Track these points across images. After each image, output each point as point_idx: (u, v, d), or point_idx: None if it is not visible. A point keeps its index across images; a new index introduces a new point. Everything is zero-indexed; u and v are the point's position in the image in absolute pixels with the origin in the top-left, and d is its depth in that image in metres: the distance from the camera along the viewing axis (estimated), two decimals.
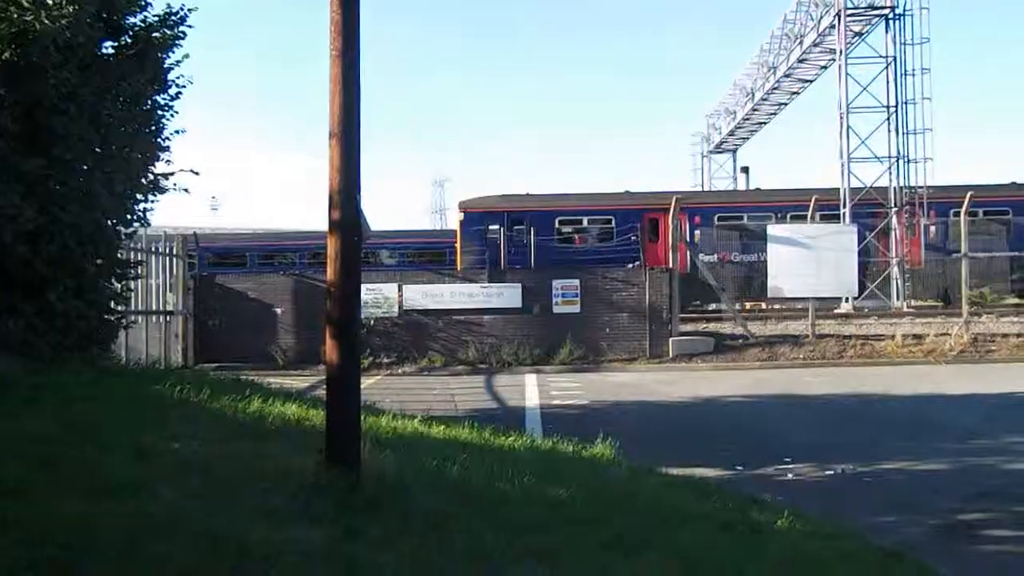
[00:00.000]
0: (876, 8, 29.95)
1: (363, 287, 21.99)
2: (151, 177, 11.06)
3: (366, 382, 18.27)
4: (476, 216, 31.57)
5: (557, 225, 31.84)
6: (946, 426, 12.49)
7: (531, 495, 6.34)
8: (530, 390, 17.23)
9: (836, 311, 26.36)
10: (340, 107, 5.77)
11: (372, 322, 21.29)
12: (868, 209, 29.09)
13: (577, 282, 21.77)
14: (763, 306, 27.72)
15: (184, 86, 11.12)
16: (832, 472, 9.34)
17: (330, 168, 5.82)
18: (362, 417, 7.19)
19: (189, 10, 10.86)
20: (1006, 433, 11.69)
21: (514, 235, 30.82)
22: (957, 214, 23.53)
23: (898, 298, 28.36)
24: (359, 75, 5.83)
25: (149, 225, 12.19)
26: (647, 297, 21.58)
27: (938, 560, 6.15)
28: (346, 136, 5.80)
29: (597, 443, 9.25)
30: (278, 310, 21.78)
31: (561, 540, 5.21)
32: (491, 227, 31.04)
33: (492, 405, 15.91)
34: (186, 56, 11.03)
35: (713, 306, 27.15)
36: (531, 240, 29.68)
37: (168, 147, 11.21)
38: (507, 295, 21.75)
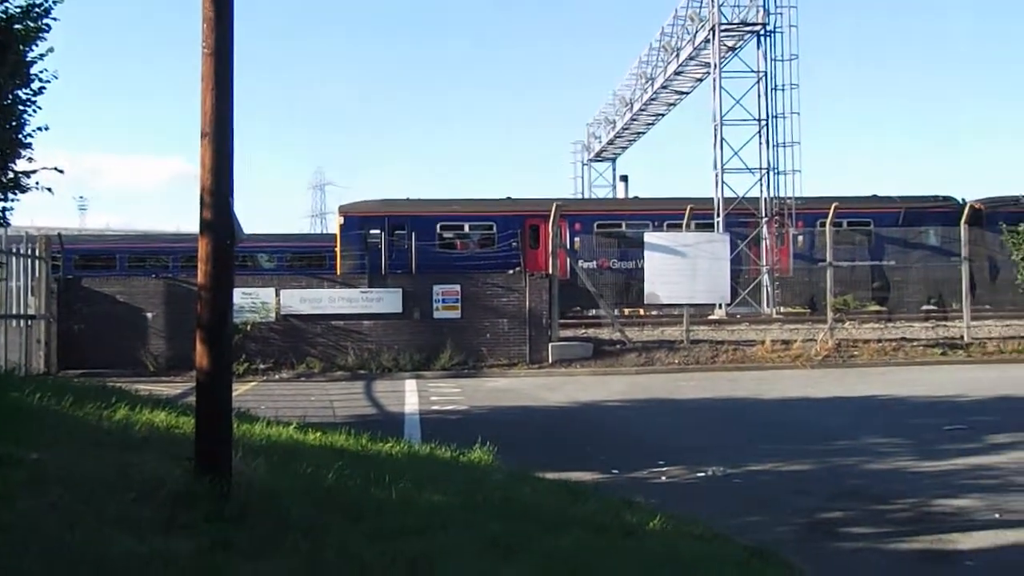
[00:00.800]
0: (748, 25, 31.00)
1: (239, 291, 21.42)
2: (11, 175, 10.54)
3: (241, 389, 17.94)
4: (357, 220, 31.28)
5: (439, 230, 31.78)
6: (812, 428, 12.99)
7: (408, 502, 6.29)
8: (410, 396, 17.14)
9: (710, 317, 27.10)
10: (212, 106, 5.62)
11: (248, 327, 20.83)
12: (740, 219, 30.06)
13: (458, 287, 21.77)
14: (641, 312, 28.27)
15: (48, 81, 10.63)
16: (704, 474, 9.58)
17: (201, 169, 5.67)
18: (234, 424, 7.02)
19: (54, 2, 10.40)
20: (867, 434, 12.21)
21: (395, 240, 30.65)
22: (823, 224, 24.48)
23: (768, 305, 29.35)
24: (232, 74, 5.69)
25: (9, 225, 11.64)
26: (527, 303, 21.75)
27: (802, 557, 6.38)
28: (218, 136, 5.66)
29: (475, 449, 9.26)
30: (149, 315, 21.08)
31: (437, 546, 5.19)
32: (372, 232, 30.82)
33: (371, 411, 15.76)
34: (50, 50, 10.54)
35: (592, 312, 27.54)
36: (412, 245, 29.57)
37: (30, 144, 10.70)
38: (387, 300, 21.60)
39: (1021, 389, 16.50)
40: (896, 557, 6.78)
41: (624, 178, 44.83)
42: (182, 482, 5.46)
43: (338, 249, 31.22)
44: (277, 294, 21.39)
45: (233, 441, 6.12)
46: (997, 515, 7.68)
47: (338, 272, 28.77)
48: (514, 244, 30.31)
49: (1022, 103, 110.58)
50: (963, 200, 30.54)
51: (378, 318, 21.55)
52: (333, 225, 39.16)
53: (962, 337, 23.18)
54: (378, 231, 30.52)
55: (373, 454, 8.72)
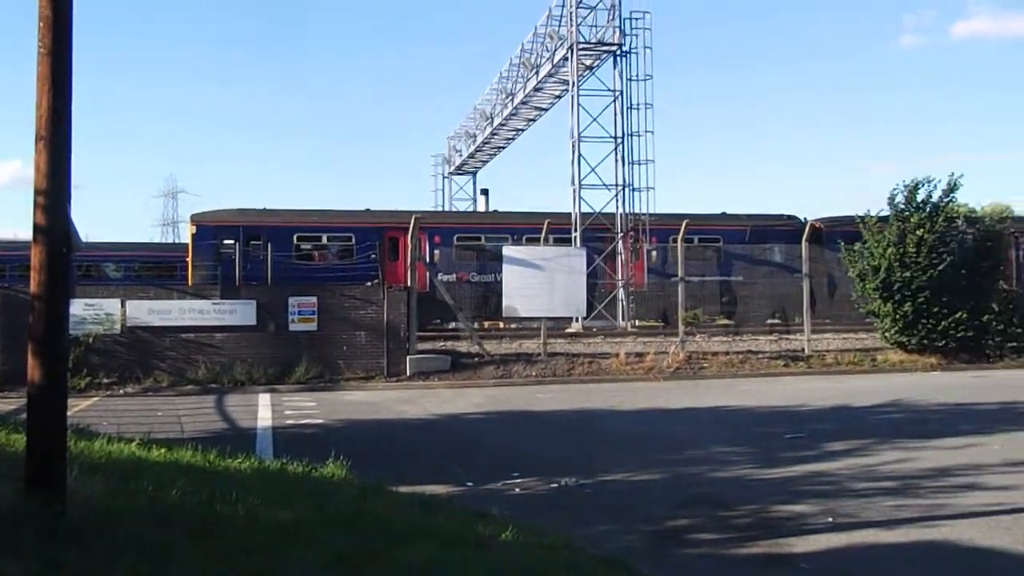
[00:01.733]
0: (605, 45, 31.81)
1: (81, 302, 20.50)
2: None
3: (82, 404, 17.16)
4: (210, 230, 30.45)
5: (296, 241, 31.26)
6: (662, 438, 13.33)
7: (255, 519, 6.14)
8: (263, 410, 16.73)
9: (567, 330, 27.56)
10: (48, 108, 5.39)
11: (91, 339, 19.94)
12: (597, 234, 30.75)
13: (314, 299, 21.42)
14: (500, 325, 28.50)
15: None
16: (557, 485, 9.70)
17: (36, 173, 5.43)
18: (71, 440, 6.72)
19: None
20: (714, 444, 12.62)
21: (250, 251, 29.96)
22: (675, 240, 25.26)
23: (623, 318, 30.07)
24: (71, 75, 5.47)
25: None
26: (385, 315, 21.59)
27: (649, 564, 6.55)
28: (55, 139, 5.43)
29: (329, 463, 9.12)
30: None
31: (283, 563, 5.08)
32: (226, 242, 30.05)
33: (222, 426, 15.29)
34: None
35: (452, 325, 27.59)
36: (268, 256, 28.96)
37: None
38: (241, 312, 21.05)
39: (857, 399, 17.38)
40: (737, 562, 7.04)
41: (484, 192, 45.14)
42: (11, 501, 5.19)
43: (190, 259, 30.33)
44: (123, 305, 20.53)
45: (69, 458, 5.85)
46: (831, 519, 8.07)
47: (190, 283, 27.92)
48: (373, 256, 30.10)
49: (860, 129, 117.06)
50: (805, 219, 32.07)
51: (231, 330, 20.97)
52: (185, 235, 38.07)
53: (803, 350, 24.30)
54: (232, 241, 29.77)
55: (221, 470, 8.48)
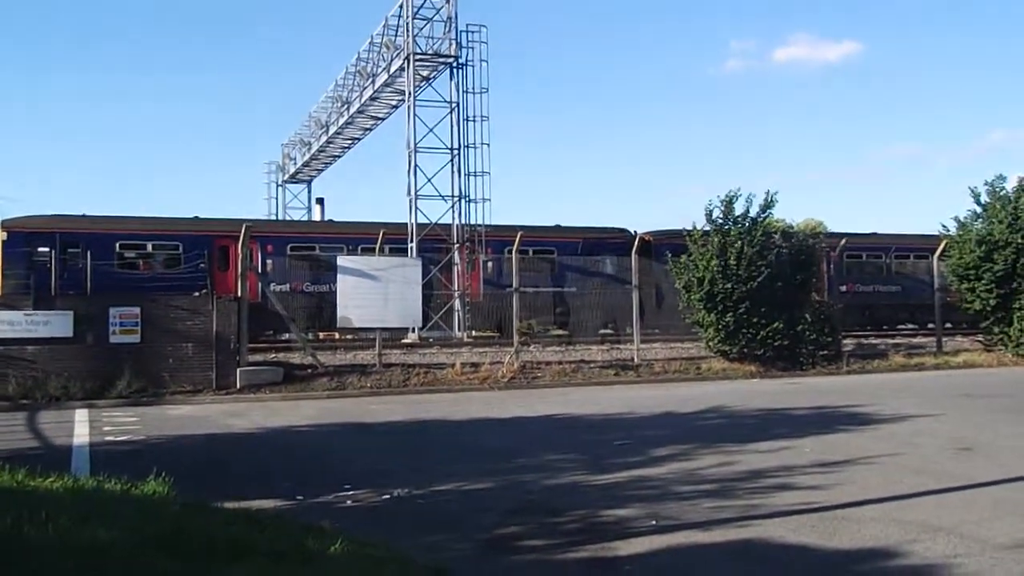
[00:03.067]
0: (441, 56, 31.98)
1: None
2: None
3: None
4: (22, 237, 28.78)
5: (118, 249, 29.95)
6: (495, 447, 13.46)
7: (67, 540, 5.83)
8: (80, 427, 15.89)
9: (403, 341, 27.46)
10: None
11: None
12: (434, 244, 30.81)
13: (138, 310, 20.51)
14: (335, 336, 28.11)
15: None
16: (389, 496, 9.64)
17: None
18: None
19: None
20: (547, 451, 12.81)
21: (67, 259, 28.50)
22: (511, 252, 25.60)
23: (459, 329, 30.23)
24: None
25: None
26: (214, 326, 20.91)
27: (479, 573, 6.60)
28: None
29: (150, 480, 8.76)
30: None
31: None
32: (40, 249, 28.49)
33: (33, 444, 14.44)
34: None
35: (285, 336, 27.03)
36: (87, 264, 27.59)
37: None
38: (56, 323, 19.92)
39: (682, 406, 18.05)
40: (564, 566, 7.17)
41: (320, 201, 44.68)
42: None
43: None
44: None
45: None
46: (654, 522, 8.35)
47: (0, 293, 26.26)
48: (202, 265, 29.15)
49: (686, 146, 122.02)
50: (635, 232, 33.12)
51: (45, 343, 19.81)
52: None
53: (633, 359, 25.06)
54: (47, 248, 28.23)
55: (30, 490, 8.02)
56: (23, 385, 19.34)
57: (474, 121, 31.65)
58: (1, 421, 16.77)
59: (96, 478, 9.15)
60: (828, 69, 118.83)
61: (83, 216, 30.59)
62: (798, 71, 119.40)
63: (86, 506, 7.40)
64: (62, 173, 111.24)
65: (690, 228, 26.30)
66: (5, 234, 29.01)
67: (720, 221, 25.64)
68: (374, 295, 22.86)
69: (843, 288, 32.49)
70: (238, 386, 20.75)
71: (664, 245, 31.12)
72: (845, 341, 27.60)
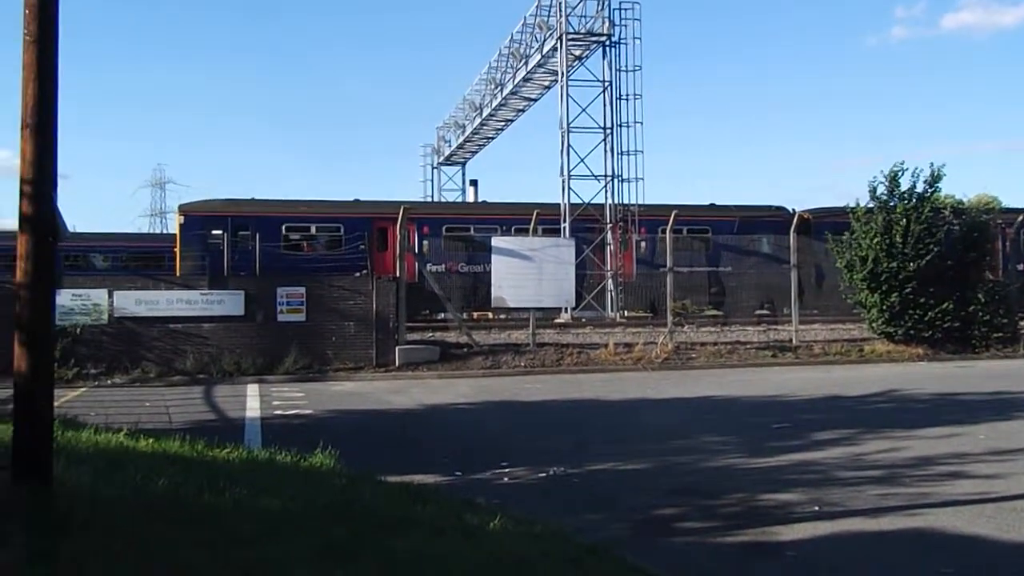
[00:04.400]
0: (594, 35, 31.75)
1: (68, 292, 20.38)
2: None
3: (70, 394, 17.13)
4: (198, 220, 30.37)
5: (284, 232, 31.22)
6: (651, 428, 13.40)
7: (243, 508, 6.14)
8: (251, 401, 16.73)
9: (556, 321, 27.58)
10: (34, 96, 5.38)
11: (79, 330, 19.87)
12: (586, 224, 30.75)
13: (303, 290, 21.37)
14: (489, 316, 28.50)
15: None
16: (545, 474, 9.74)
17: (22, 162, 5.41)
18: (58, 431, 6.71)
19: None
20: (702, 433, 12.70)
21: (239, 241, 29.92)
22: (664, 231, 25.28)
23: (612, 309, 30.12)
24: (56, 61, 5.46)
25: None
26: (374, 306, 21.56)
27: (635, 553, 6.57)
28: (41, 127, 5.42)
29: (317, 453, 9.12)
30: None
31: (271, 552, 5.09)
32: (214, 232, 29.98)
33: (210, 417, 15.28)
34: None
35: (441, 316, 27.59)
36: (256, 246, 28.91)
37: None
38: (229, 303, 20.99)
39: (843, 388, 17.48)
40: (723, 549, 7.08)
41: (474, 182, 45.11)
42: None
43: (178, 250, 30.27)
44: (110, 295, 20.45)
45: (56, 448, 5.85)
46: (817, 507, 8.12)
47: (178, 273, 27.85)
48: (362, 247, 30.07)
49: (848, 120, 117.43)
50: (793, 210, 32.18)
51: (219, 321, 20.92)
52: (173, 225, 37.96)
53: (791, 340, 24.39)
54: (220, 231, 29.69)
55: (209, 460, 8.48)
56: (199, 361, 20.47)
57: (627, 100, 31.39)
58: (180, 394, 17.82)
59: (268, 450, 9.60)
60: (1001, 34, 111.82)
61: (252, 200, 32.04)
62: (968, 37, 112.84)
63: (259, 476, 7.78)
64: (231, 157, 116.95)
65: (852, 205, 25.30)
66: (182, 218, 30.73)
67: (884, 197, 24.58)
68: (528, 275, 23.04)
69: (1020, 267, 30.59)
70: (397, 364, 21.33)
71: (824, 223, 30.06)
72: (1022, 323, 26.03)
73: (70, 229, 19.91)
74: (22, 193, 5.41)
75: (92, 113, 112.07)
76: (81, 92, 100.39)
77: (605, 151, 31.40)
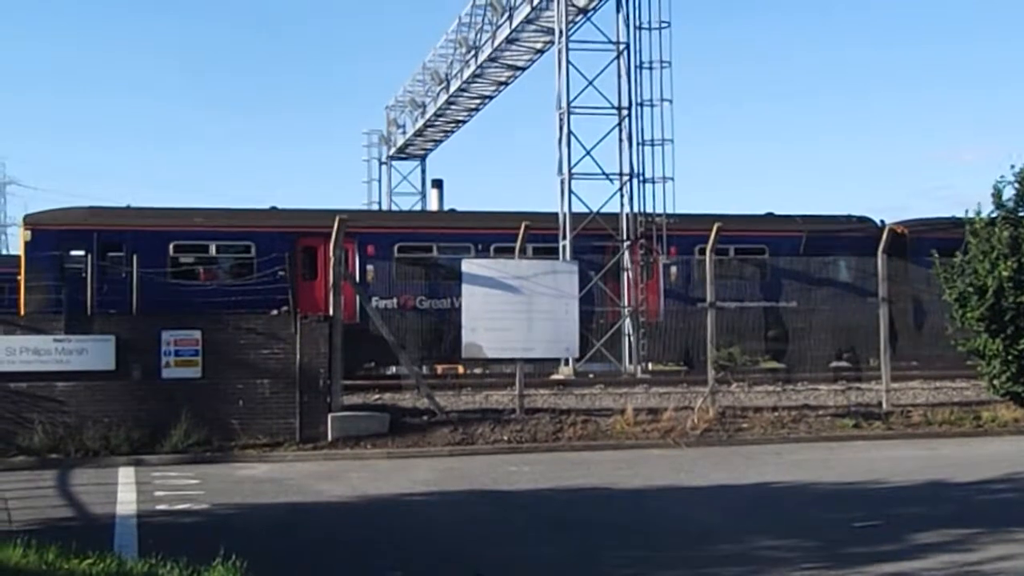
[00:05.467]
0: None
1: None
2: None
3: None
4: (51, 237, 30.28)
5: (172, 252, 31.18)
6: (683, 528, 13.36)
7: None
8: (125, 491, 16.62)
9: (553, 377, 27.60)
10: None
11: None
12: (594, 242, 30.76)
13: (198, 334, 21.29)
14: (459, 370, 28.51)
15: None
16: None
17: None
18: None
19: None
20: (757, 535, 12.67)
21: (108, 266, 29.86)
22: (703, 251, 25.32)
23: (631, 360, 30.08)
24: None
25: None
26: (298, 357, 21.51)
27: None
28: None
29: (216, 564, 9.09)
30: None
31: None
32: (73, 253, 29.91)
33: (66, 513, 15.18)
34: None
35: (392, 370, 27.56)
36: (134, 273, 28.82)
37: None
38: (94, 352, 20.89)
39: (953, 472, 17.51)
40: None
41: (437, 183, 45.36)
42: None
43: (22, 278, 30.11)
44: None
45: None
46: None
47: (21, 311, 27.75)
48: (281, 273, 30.00)
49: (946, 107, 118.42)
50: (881, 222, 32.35)
51: (80, 378, 20.79)
52: (16, 243, 37.90)
53: (880, 404, 24.45)
54: (82, 252, 29.64)
55: (64, 575, 8.43)
56: (52, 435, 20.31)
57: (650, 68, 31.47)
58: (25, 481, 17.67)
59: (147, 560, 9.54)
60: None
61: (127, 209, 32.07)
62: None
63: None
64: (97, 153, 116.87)
65: (965, 215, 25.25)
66: (29, 233, 30.55)
67: (1012, 203, 24.65)
68: (513, 314, 22.99)
69: None
70: (330, 438, 21.26)
71: (925, 240, 30.25)
72: None
73: None
74: None
75: None
76: None
77: (620, 140, 31.53)
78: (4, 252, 71.16)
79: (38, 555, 9.03)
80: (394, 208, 49.17)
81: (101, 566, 9.00)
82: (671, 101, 31.37)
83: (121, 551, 10.86)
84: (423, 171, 51.51)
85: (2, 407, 20.49)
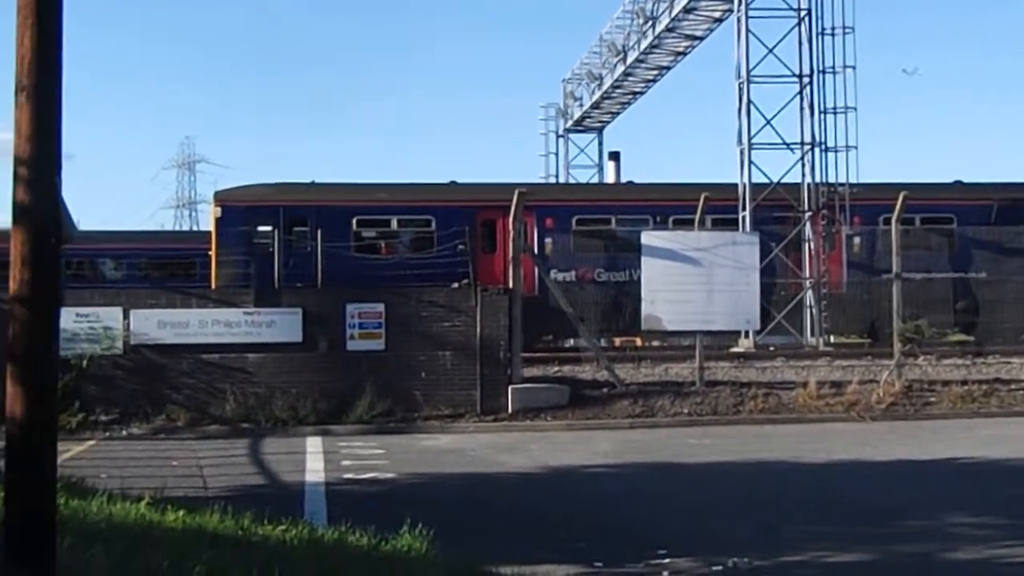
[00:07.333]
0: None
1: (72, 311, 21.17)
2: None
3: (75, 448, 17.78)
4: (240, 213, 30.98)
5: (355, 227, 31.60)
6: (870, 503, 13.11)
7: None
8: (313, 460, 17.06)
9: (732, 350, 27.27)
10: (32, 48, 5.57)
11: (86, 363, 20.55)
12: (774, 213, 30.28)
13: (381, 307, 21.66)
14: (637, 342, 28.38)
15: None
16: (721, 568, 9.64)
17: (16, 136, 5.62)
18: (63, 500, 6.95)
19: None
20: (946, 512, 12.38)
21: (294, 241, 30.46)
22: (888, 221, 24.72)
23: (813, 333, 29.57)
24: (61, 3, 5.66)
25: None
26: (479, 329, 21.71)
27: None
28: (42, 89, 5.61)
29: (403, 533, 9.23)
30: None
31: None
32: (261, 229, 30.57)
33: (258, 481, 15.66)
34: None
35: (570, 342, 27.58)
36: (318, 248, 29.38)
37: None
38: (282, 325, 21.42)
39: None
40: None
41: (614, 156, 45.01)
42: None
43: (213, 253, 30.92)
44: (126, 316, 21.12)
45: (60, 523, 6.05)
46: None
47: (213, 285, 28.56)
48: (461, 247, 30.24)
49: None
50: None
51: (269, 350, 21.39)
52: (206, 219, 39.03)
53: None
54: (270, 228, 30.27)
55: (258, 541, 8.67)
56: (243, 404, 20.94)
57: (832, 35, 30.79)
58: (218, 450, 18.30)
59: (336, 527, 9.77)
60: None
61: (312, 185, 32.60)
62: None
63: (326, 564, 7.91)
64: (280, 132, 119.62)
65: None
66: (219, 209, 31.34)
67: None
68: (692, 285, 22.83)
69: None
70: (510, 410, 21.42)
71: None
72: None
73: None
74: (16, 178, 5.60)
75: (95, 77, 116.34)
76: (83, 45, 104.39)
77: (801, 109, 30.90)
78: (195, 228, 73.13)
79: (234, 521, 9.29)
80: (571, 181, 49.05)
81: (293, 532, 9.21)
82: (854, 67, 30.70)
83: (311, 518, 11.15)
84: (600, 143, 51.19)
85: (196, 378, 21.19)
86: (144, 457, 17.28)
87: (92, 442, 19.19)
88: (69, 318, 20.29)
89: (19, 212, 5.57)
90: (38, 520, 5.58)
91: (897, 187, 25.67)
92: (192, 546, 7.58)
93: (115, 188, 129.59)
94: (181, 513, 9.48)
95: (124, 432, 20.23)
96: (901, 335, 23.68)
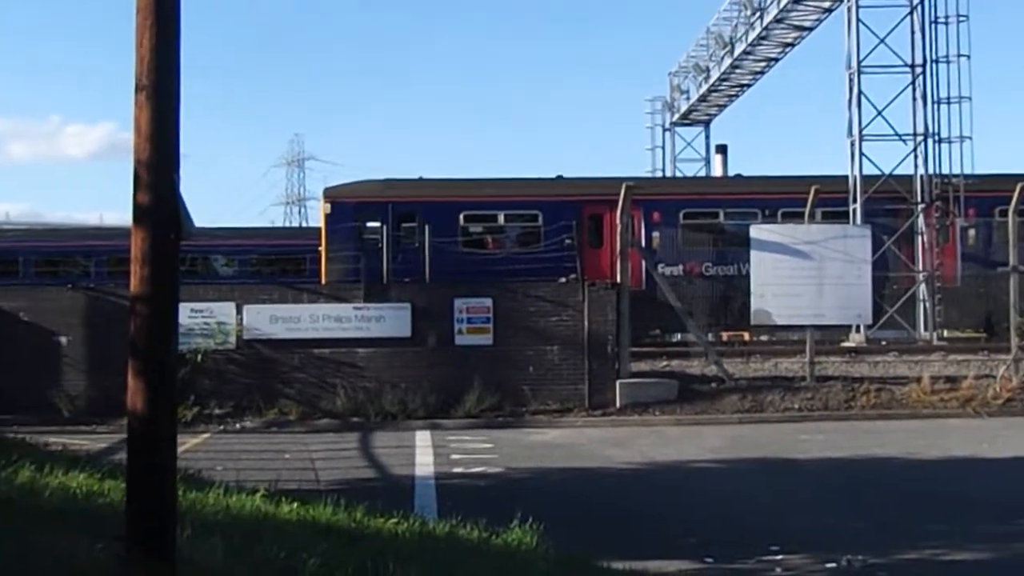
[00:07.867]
0: None
1: (187, 307, 21.61)
2: None
3: (191, 441, 18.12)
4: (349, 208, 31.32)
5: (462, 222, 31.77)
6: (986, 500, 12.88)
7: None
8: (422, 453, 17.20)
9: (844, 344, 26.95)
10: (151, 48, 5.68)
11: (200, 357, 20.94)
12: (886, 205, 29.83)
13: (489, 302, 21.75)
14: (745, 337, 28.14)
15: None
16: (835, 565, 9.55)
17: (136, 135, 5.74)
18: (181, 491, 7.08)
19: None
20: None
21: (402, 236, 30.68)
22: (1004, 213, 24.22)
23: (927, 327, 29.10)
24: (179, 4, 5.76)
25: None
26: (586, 324, 21.68)
27: None
28: (161, 89, 5.73)
29: (514, 527, 9.27)
30: (63, 339, 21.24)
31: None
32: (369, 225, 30.86)
33: (369, 474, 15.84)
34: None
35: (678, 337, 27.42)
36: (426, 243, 29.56)
37: None
38: (391, 320, 21.62)
39: None
40: None
41: (722, 148, 44.66)
42: (109, 570, 5.49)
43: (323, 249, 31.29)
44: (239, 311, 21.48)
45: (179, 514, 6.16)
46: None
47: (323, 280, 28.89)
48: (568, 241, 30.24)
49: None
50: None
51: (378, 344, 21.59)
52: (316, 215, 39.49)
53: None
54: (378, 224, 30.50)
55: (371, 533, 8.77)
56: (353, 399, 21.16)
57: (946, 23, 30.22)
58: (329, 443, 18.54)
59: (447, 521, 9.84)
60: None
61: (419, 181, 32.89)
62: None
63: (438, 557, 7.96)
64: (387, 128, 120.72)
65: None
66: (329, 206, 31.71)
67: None
68: (803, 279, 22.60)
69: None
70: (618, 404, 21.37)
71: None
72: None
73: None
74: (137, 177, 5.72)
75: (210, 72, 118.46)
76: (197, 45, 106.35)
77: (913, 99, 30.42)
78: (304, 224, 74.16)
79: (346, 513, 9.40)
80: (678, 175, 48.79)
81: (405, 526, 9.30)
82: (969, 56, 30.11)
83: (422, 511, 11.25)
84: (707, 137, 50.83)
85: (307, 372, 21.47)
86: (257, 450, 17.56)
87: (207, 435, 19.55)
88: (184, 313, 20.63)
89: (139, 211, 5.69)
90: (159, 511, 5.69)
91: (1014, 178, 25.20)
92: (306, 538, 7.68)
93: (226, 185, 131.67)
94: (295, 505, 9.61)
95: (237, 425, 20.58)
96: (1019, 329, 23.19)
